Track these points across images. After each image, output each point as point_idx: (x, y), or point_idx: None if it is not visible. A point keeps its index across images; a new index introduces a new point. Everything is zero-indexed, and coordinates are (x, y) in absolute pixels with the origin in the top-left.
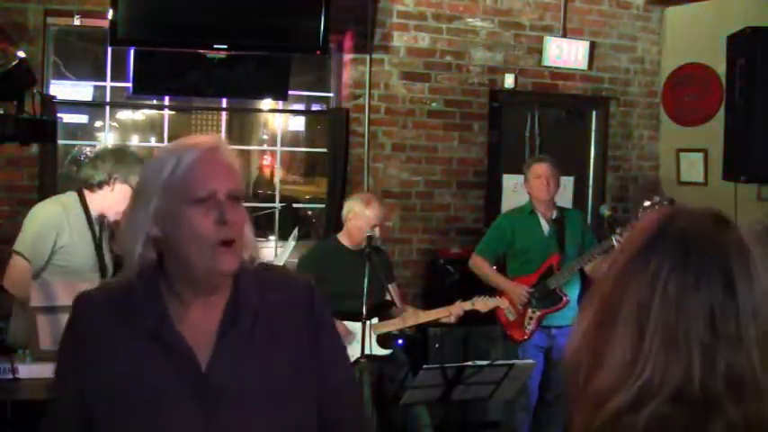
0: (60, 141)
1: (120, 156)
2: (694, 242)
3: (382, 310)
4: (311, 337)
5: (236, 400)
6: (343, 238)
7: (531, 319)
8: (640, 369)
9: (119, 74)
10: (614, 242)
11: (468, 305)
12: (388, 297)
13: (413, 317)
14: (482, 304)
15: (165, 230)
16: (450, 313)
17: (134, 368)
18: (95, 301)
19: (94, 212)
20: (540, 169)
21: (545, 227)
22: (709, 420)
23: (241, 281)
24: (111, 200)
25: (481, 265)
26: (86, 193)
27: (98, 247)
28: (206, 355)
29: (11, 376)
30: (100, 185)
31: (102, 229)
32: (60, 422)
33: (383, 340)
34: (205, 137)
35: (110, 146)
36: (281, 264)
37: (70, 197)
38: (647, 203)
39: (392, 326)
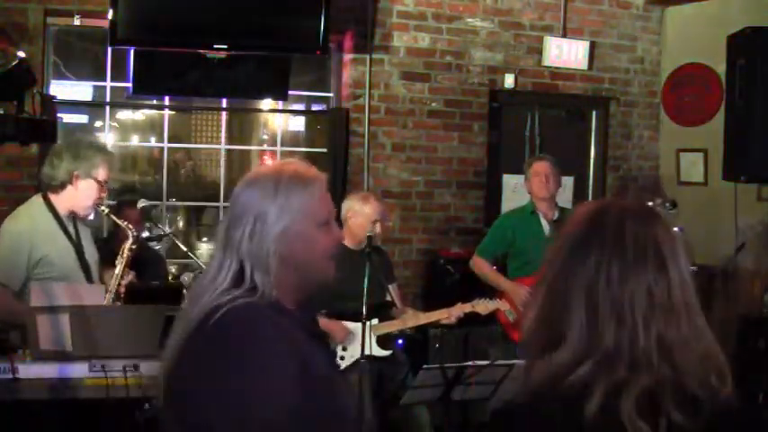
0: (60, 141)
1: (76, 151)
2: (629, 232)
3: (382, 310)
4: None
5: None
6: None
7: None
8: (599, 341)
9: (119, 74)
10: None
11: (468, 307)
12: (388, 297)
13: (413, 318)
14: (482, 307)
15: (293, 248)
16: (449, 315)
17: (324, 363)
18: (268, 313)
19: (63, 212)
20: (540, 167)
21: (546, 227)
22: (641, 375)
23: None
24: (78, 197)
25: (482, 266)
26: (51, 195)
27: (77, 246)
28: None
29: (11, 376)
30: (63, 186)
31: (76, 227)
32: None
33: (383, 341)
34: (309, 168)
35: (65, 143)
36: None
37: (35, 204)
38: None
39: (392, 327)
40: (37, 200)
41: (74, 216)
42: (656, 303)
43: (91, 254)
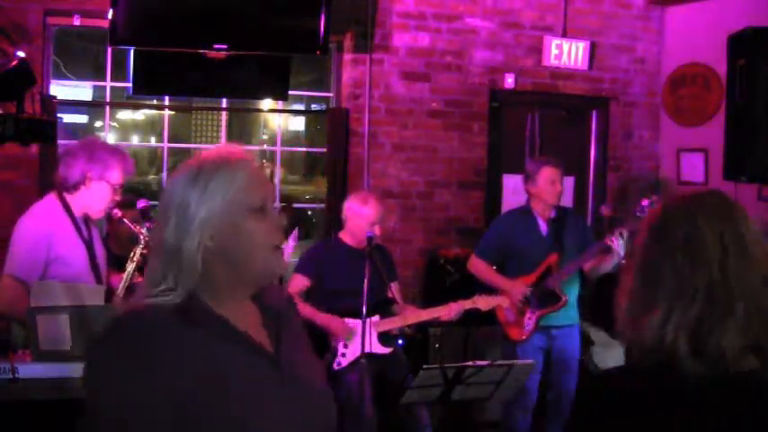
0: (60, 141)
1: (91, 152)
2: (704, 229)
3: (384, 307)
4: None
5: (302, 379)
6: (345, 236)
7: (529, 319)
8: (666, 333)
9: (119, 74)
10: (613, 241)
11: (468, 303)
12: (389, 294)
13: (413, 315)
14: (483, 302)
15: (222, 241)
16: (450, 310)
17: (215, 367)
18: (155, 317)
19: (77, 213)
20: (553, 174)
21: (543, 227)
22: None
23: None
24: (90, 199)
25: (480, 267)
26: (66, 195)
27: (89, 247)
28: (266, 345)
29: (11, 376)
30: (76, 186)
31: (89, 228)
32: None
33: (384, 338)
34: (234, 149)
35: (81, 143)
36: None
37: (50, 203)
38: (645, 203)
39: (393, 324)
40: (52, 199)
41: (87, 217)
42: (714, 300)
43: (101, 255)
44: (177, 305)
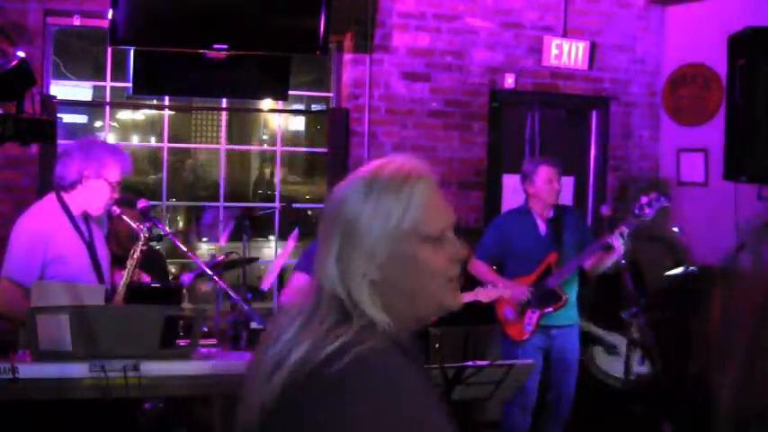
0: (60, 141)
1: (88, 151)
2: None
3: None
4: None
5: None
6: None
7: (530, 318)
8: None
9: (119, 74)
10: (613, 240)
11: (471, 296)
12: None
13: None
14: (484, 294)
15: (391, 272)
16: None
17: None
18: (399, 357)
19: (76, 212)
20: (552, 174)
21: (541, 227)
22: None
23: None
24: (88, 197)
25: (480, 269)
26: (63, 194)
27: (90, 246)
28: None
29: (11, 376)
30: (73, 185)
31: (89, 227)
32: None
33: None
34: (415, 163)
35: (78, 142)
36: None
37: (49, 203)
38: (644, 200)
39: None
40: (50, 198)
41: (86, 216)
42: None
43: (103, 254)
44: (394, 340)
